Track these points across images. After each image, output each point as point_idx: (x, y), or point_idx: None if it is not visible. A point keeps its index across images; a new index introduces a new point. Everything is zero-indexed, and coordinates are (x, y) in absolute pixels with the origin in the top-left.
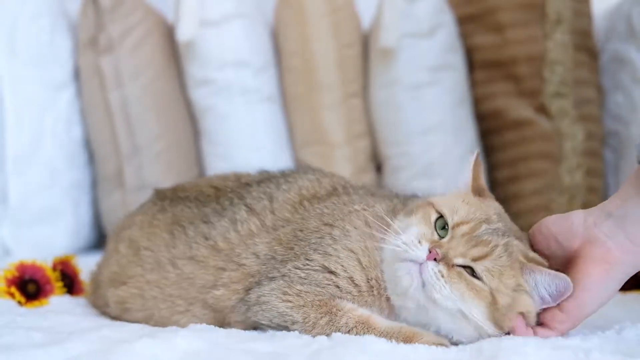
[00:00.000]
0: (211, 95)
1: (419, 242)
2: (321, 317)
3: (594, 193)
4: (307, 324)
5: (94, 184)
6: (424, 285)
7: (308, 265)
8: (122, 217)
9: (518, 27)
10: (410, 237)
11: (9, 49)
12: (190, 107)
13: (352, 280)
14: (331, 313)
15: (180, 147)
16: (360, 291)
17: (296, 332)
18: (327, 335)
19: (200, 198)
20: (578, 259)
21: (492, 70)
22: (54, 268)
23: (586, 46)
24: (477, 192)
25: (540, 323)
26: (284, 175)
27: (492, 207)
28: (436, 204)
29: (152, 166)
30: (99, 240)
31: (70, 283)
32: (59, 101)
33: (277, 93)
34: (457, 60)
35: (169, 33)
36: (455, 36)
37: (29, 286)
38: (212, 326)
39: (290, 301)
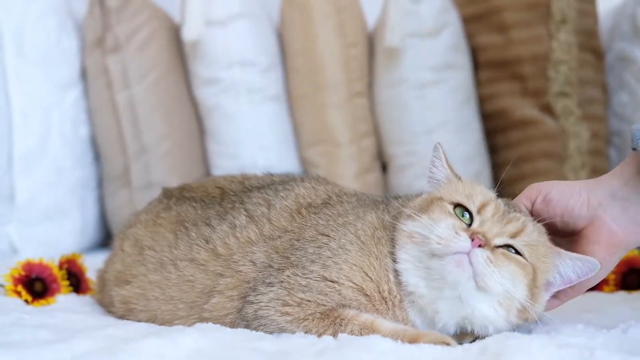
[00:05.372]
0: (217, 95)
1: (456, 233)
2: (324, 331)
3: None
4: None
5: (100, 183)
6: (475, 275)
7: (307, 275)
8: (128, 216)
9: (522, 27)
10: (446, 230)
11: (16, 49)
12: (196, 107)
13: (363, 291)
14: (334, 324)
15: (186, 146)
16: (371, 300)
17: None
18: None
19: (205, 199)
20: (584, 240)
21: (496, 70)
22: (61, 267)
23: (591, 46)
24: (458, 178)
25: None
26: (282, 181)
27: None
28: (446, 196)
29: (158, 165)
30: (105, 239)
31: (76, 282)
32: (66, 101)
33: (282, 92)
34: (462, 59)
35: (175, 33)
36: (460, 36)
37: (36, 285)
38: (218, 325)
39: (289, 314)
